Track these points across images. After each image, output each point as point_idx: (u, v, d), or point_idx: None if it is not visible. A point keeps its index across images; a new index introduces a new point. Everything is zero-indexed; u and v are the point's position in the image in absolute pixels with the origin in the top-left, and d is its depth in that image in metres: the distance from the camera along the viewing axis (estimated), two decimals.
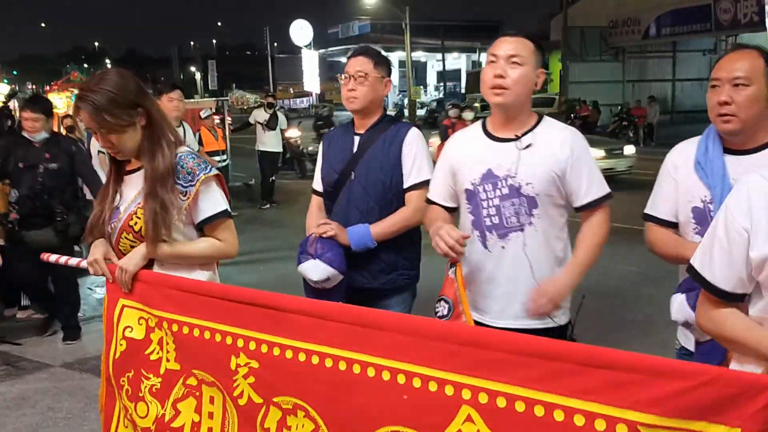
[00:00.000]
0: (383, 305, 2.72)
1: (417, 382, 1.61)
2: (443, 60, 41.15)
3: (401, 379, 1.63)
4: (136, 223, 2.19)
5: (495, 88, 2.26)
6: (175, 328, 2.05)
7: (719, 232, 1.50)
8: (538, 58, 2.31)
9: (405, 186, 2.74)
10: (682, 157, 2.19)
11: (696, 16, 23.01)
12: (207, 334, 1.97)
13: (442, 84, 44.22)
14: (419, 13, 42.38)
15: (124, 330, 2.20)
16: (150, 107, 2.23)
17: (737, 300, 1.50)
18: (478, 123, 2.47)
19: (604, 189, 2.33)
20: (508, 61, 2.25)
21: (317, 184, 2.96)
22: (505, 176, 2.27)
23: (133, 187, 2.25)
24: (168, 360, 2.10)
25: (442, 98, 35.02)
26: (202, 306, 1.99)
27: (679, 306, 1.97)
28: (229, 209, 2.33)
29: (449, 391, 1.57)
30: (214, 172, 2.30)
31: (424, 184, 2.68)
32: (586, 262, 2.32)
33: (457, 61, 48.75)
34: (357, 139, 2.81)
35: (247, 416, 1.91)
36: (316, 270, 2.59)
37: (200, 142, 8.91)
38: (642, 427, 1.37)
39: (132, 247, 2.22)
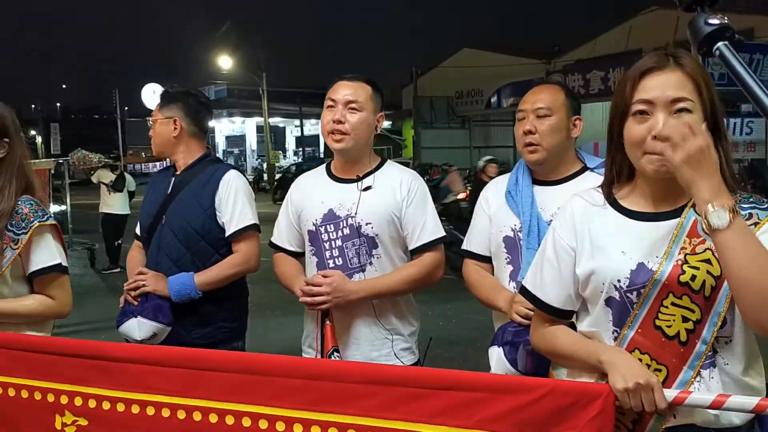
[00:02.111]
0: None
1: (263, 424, 1.53)
2: (301, 126, 41.72)
3: (246, 422, 1.55)
4: None
5: (333, 134, 2.27)
6: None
7: (548, 253, 1.59)
8: (377, 102, 2.35)
9: (228, 233, 2.54)
10: (494, 192, 2.30)
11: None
12: (24, 393, 1.75)
13: (301, 149, 44.65)
14: (277, 80, 42.95)
15: None
16: (16, 145, 2.09)
17: (566, 317, 1.60)
18: (323, 165, 2.48)
19: (438, 232, 2.34)
20: (347, 107, 2.27)
21: (138, 228, 2.75)
22: (346, 216, 2.28)
23: None
24: None
25: (301, 162, 35.32)
26: (15, 361, 1.77)
27: (497, 360, 1.97)
28: (64, 264, 2.14)
29: (298, 429, 1.51)
30: (51, 221, 2.11)
31: (251, 229, 2.56)
32: (387, 284, 2.25)
33: (315, 126, 49.48)
34: (173, 180, 2.63)
35: None
36: (140, 328, 2.38)
37: None
38: None
39: None
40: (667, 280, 1.40)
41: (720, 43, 1.20)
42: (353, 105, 2.27)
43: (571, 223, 1.56)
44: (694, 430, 1.41)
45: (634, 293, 1.43)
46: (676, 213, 1.46)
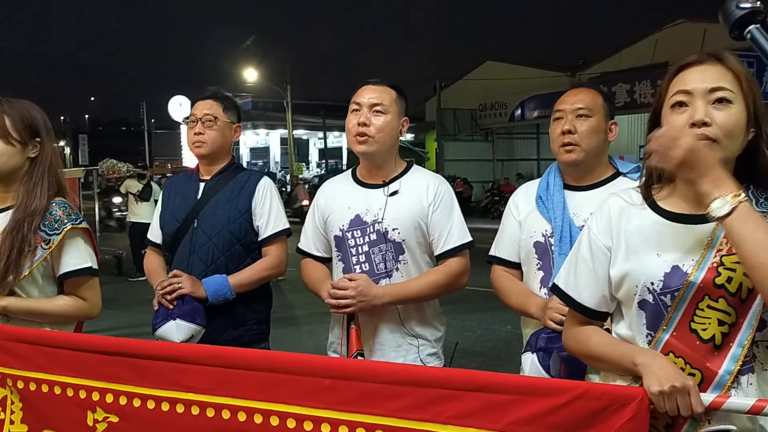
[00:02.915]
0: None
1: (291, 423, 1.53)
2: (325, 138, 42.00)
3: (274, 421, 1.55)
4: None
5: (358, 136, 2.28)
6: (20, 384, 1.83)
7: (583, 252, 1.56)
8: (401, 106, 2.35)
9: (263, 236, 2.59)
10: (524, 197, 2.28)
11: (555, 102, 25.07)
12: (57, 390, 1.78)
13: (324, 161, 44.88)
14: (301, 93, 43.29)
15: None
16: (47, 145, 2.15)
17: (601, 318, 1.57)
18: (348, 171, 2.49)
19: (464, 237, 2.33)
20: (371, 110, 2.28)
21: (154, 235, 2.75)
22: (372, 222, 2.28)
23: None
24: (12, 422, 1.86)
25: (324, 174, 35.51)
26: (49, 358, 1.80)
27: (531, 366, 1.96)
28: (95, 267, 2.17)
29: (325, 429, 1.51)
30: (84, 224, 2.15)
31: (283, 234, 2.61)
32: (412, 290, 2.25)
33: (339, 139, 49.87)
34: (202, 185, 2.65)
35: None
36: (178, 331, 2.39)
37: None
38: None
39: None
40: (702, 282, 1.38)
41: (751, 26, 1.22)
42: (378, 108, 2.28)
43: (607, 222, 1.54)
44: None
45: (668, 296, 1.41)
46: None
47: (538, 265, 2.17)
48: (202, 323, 2.43)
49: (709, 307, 1.38)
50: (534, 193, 2.25)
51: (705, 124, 1.37)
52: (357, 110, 2.31)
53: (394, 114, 2.31)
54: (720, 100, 1.38)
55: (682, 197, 1.47)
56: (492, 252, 2.34)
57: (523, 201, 2.27)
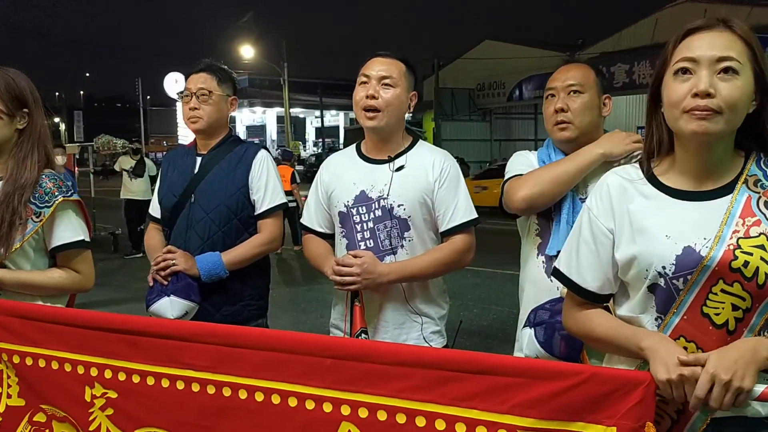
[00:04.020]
0: None
1: (293, 402, 1.51)
2: (321, 116, 41.80)
3: (275, 399, 1.53)
4: None
5: (367, 110, 2.24)
6: (16, 359, 1.81)
7: (585, 234, 1.51)
8: (410, 80, 2.30)
9: (259, 211, 2.55)
10: (533, 157, 2.23)
11: None
12: (55, 364, 1.75)
13: (321, 140, 44.74)
14: (298, 71, 42.93)
15: None
16: (36, 117, 2.10)
17: (603, 301, 1.53)
18: (353, 146, 2.45)
19: (470, 214, 2.29)
20: (380, 83, 2.23)
21: (154, 210, 2.71)
22: (378, 198, 2.24)
23: None
24: (9, 396, 1.85)
25: (321, 153, 35.38)
26: (46, 334, 1.77)
27: (529, 341, 1.94)
28: (87, 239, 2.14)
29: (327, 408, 1.48)
30: (75, 197, 2.11)
31: (279, 209, 2.58)
32: (417, 267, 2.21)
33: (336, 118, 49.70)
34: (199, 159, 2.61)
35: None
36: (172, 307, 2.35)
37: None
38: (521, 431, 1.36)
39: None
40: (718, 265, 1.32)
41: None
42: (387, 81, 2.23)
43: (608, 203, 1.48)
44: (742, 421, 1.35)
45: (681, 279, 1.35)
46: (724, 190, 1.39)
47: (537, 231, 2.16)
48: (197, 300, 2.40)
49: (723, 291, 1.33)
50: (536, 159, 2.22)
51: (709, 95, 1.31)
52: (365, 83, 2.26)
53: (403, 88, 2.26)
54: (726, 70, 1.32)
55: (682, 171, 1.42)
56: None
57: (534, 158, 2.22)
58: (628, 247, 1.43)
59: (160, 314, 2.37)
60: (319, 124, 42.93)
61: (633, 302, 1.45)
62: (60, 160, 8.47)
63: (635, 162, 1.54)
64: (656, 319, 1.41)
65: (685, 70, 1.36)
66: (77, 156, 10.32)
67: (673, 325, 1.38)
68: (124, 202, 10.77)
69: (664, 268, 1.37)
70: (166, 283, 2.39)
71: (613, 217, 1.47)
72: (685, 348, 1.34)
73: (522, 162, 2.22)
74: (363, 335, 2.06)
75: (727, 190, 1.39)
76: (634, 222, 1.43)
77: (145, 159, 11.07)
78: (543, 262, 2.11)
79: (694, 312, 1.35)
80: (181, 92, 2.62)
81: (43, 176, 2.08)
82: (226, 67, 2.70)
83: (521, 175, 2.14)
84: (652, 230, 1.40)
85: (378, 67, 2.26)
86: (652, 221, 1.41)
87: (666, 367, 1.28)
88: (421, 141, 2.39)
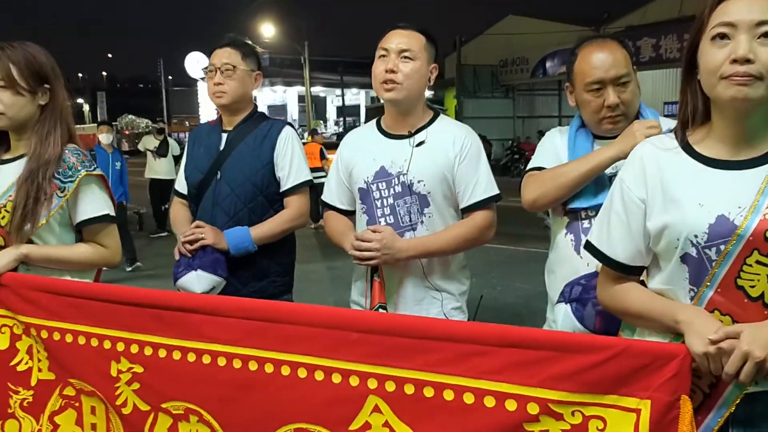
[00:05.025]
0: None
1: (319, 375, 1.50)
2: (342, 95, 41.63)
3: (302, 373, 1.52)
4: (3, 218, 1.97)
5: (386, 83, 2.20)
6: (44, 334, 1.82)
7: (616, 206, 1.49)
8: (430, 52, 2.26)
9: (284, 188, 2.55)
10: (562, 143, 2.17)
11: None
12: (81, 339, 1.77)
13: (341, 119, 44.59)
14: (319, 49, 42.79)
15: None
16: (58, 92, 2.10)
17: (636, 273, 1.50)
18: (373, 121, 2.41)
19: (491, 190, 2.26)
20: (400, 56, 2.20)
21: (180, 185, 2.72)
22: (398, 173, 2.21)
23: (8, 178, 2.03)
24: (40, 370, 1.87)
25: (342, 132, 35.30)
26: (73, 309, 1.78)
27: (564, 316, 1.91)
28: (112, 214, 2.15)
29: (354, 381, 1.48)
30: (98, 171, 2.11)
31: (305, 185, 2.56)
32: (437, 243, 2.19)
33: (357, 96, 49.47)
34: (224, 136, 2.60)
35: (133, 426, 1.72)
36: (199, 281, 2.36)
37: None
38: (552, 404, 1.34)
39: None
40: (753, 235, 1.29)
41: None
42: (406, 54, 2.19)
43: (641, 172, 1.45)
44: None
45: (713, 249, 1.32)
46: (763, 159, 1.34)
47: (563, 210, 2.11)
48: (224, 275, 2.40)
49: (758, 262, 1.29)
50: (565, 140, 2.15)
51: (748, 61, 1.27)
52: (384, 56, 2.22)
53: (423, 61, 2.22)
54: (766, 35, 1.28)
55: (719, 139, 1.38)
56: (532, 165, 2.20)
57: (561, 146, 2.15)
58: (660, 216, 1.40)
59: (187, 288, 2.37)
60: (340, 103, 42.75)
61: (665, 274, 1.42)
62: (105, 138, 8.44)
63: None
64: (689, 291, 1.38)
65: (722, 36, 1.31)
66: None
67: (707, 298, 1.35)
68: (148, 181, 10.87)
69: (696, 236, 1.34)
70: (190, 256, 2.38)
71: (645, 187, 1.44)
72: (721, 321, 1.31)
73: (545, 151, 2.18)
74: (381, 310, 2.04)
75: (764, 159, 1.34)
76: (666, 191, 1.40)
77: (168, 139, 11.14)
78: (572, 240, 2.07)
79: (728, 284, 1.32)
80: (206, 68, 2.61)
81: (66, 151, 2.08)
82: (250, 41, 2.68)
83: (537, 169, 2.12)
84: (685, 199, 1.36)
85: (397, 39, 2.22)
86: (685, 190, 1.37)
87: (702, 340, 1.25)
88: (442, 116, 2.35)
